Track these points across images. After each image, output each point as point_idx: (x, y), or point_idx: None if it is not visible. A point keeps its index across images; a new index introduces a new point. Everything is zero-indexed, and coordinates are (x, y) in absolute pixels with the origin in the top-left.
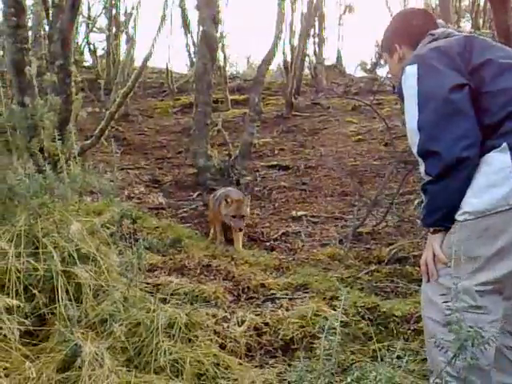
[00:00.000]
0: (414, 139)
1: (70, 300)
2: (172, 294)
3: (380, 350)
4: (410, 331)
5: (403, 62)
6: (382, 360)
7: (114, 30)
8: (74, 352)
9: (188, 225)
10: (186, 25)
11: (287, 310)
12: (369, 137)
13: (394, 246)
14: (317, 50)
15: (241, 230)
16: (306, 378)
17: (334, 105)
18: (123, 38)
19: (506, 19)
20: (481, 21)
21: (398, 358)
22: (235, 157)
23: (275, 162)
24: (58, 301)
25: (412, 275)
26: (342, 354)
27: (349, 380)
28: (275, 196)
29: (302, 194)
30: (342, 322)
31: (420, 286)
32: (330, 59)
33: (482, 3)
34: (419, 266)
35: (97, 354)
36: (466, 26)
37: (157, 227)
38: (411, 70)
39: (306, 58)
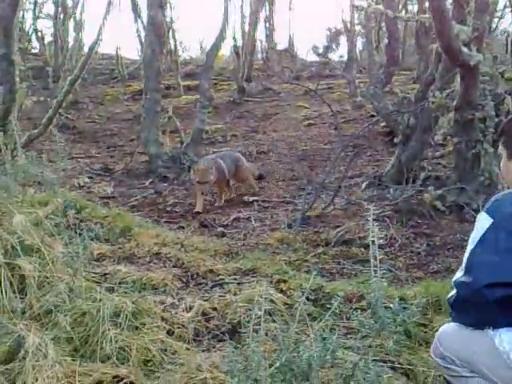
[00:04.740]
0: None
1: (13, 292)
2: (120, 283)
3: (323, 329)
4: (351, 310)
5: None
6: (323, 339)
7: (61, 15)
8: (18, 343)
9: (139, 213)
10: (135, 9)
11: (235, 294)
12: (319, 121)
13: (340, 229)
14: (268, 34)
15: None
16: (252, 358)
17: (285, 90)
18: (71, 23)
19: None
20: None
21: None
22: (187, 144)
23: (228, 148)
24: (2, 293)
25: (357, 256)
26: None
27: (283, 360)
28: None
29: None
30: (287, 304)
31: (364, 266)
32: (282, 44)
33: None
34: (364, 247)
35: (41, 345)
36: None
37: (106, 216)
38: (483, 223)
39: (258, 43)
